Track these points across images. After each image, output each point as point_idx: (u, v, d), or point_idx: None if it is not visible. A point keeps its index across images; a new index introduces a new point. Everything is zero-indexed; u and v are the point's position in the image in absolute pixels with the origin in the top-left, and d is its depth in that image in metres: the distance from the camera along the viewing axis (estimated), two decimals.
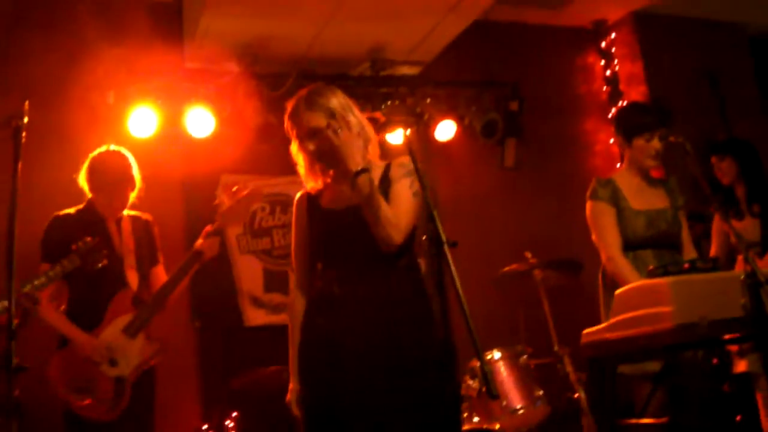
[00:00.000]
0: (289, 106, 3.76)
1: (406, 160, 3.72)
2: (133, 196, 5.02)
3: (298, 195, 3.92)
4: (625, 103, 7.97)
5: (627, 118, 5.03)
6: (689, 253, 4.95)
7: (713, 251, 5.56)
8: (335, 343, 3.57)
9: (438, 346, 3.62)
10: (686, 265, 3.74)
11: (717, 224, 5.62)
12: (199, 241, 4.95)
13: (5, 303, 3.71)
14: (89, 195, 5.00)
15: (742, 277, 3.48)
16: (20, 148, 3.58)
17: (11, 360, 3.20)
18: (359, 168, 3.48)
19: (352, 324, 3.56)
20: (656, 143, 4.82)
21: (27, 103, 3.62)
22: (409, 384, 3.49)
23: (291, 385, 3.74)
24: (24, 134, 3.60)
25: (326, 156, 3.63)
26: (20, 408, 3.16)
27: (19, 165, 3.55)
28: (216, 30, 6.53)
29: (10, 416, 3.13)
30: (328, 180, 3.77)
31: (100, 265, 4.44)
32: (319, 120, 3.63)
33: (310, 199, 3.85)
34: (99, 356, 4.63)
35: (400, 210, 3.61)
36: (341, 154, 3.50)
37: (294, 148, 3.82)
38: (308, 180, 3.84)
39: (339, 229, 3.67)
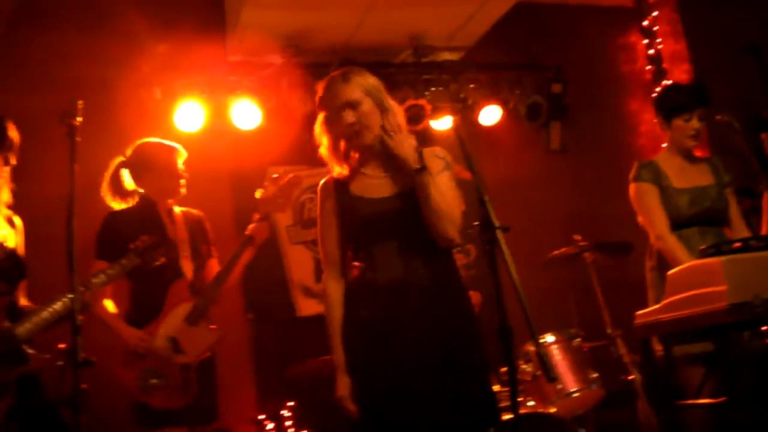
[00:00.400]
0: (322, 85, 3.76)
1: (439, 150, 3.76)
2: (183, 182, 5.07)
3: (323, 181, 3.86)
4: (663, 85, 7.89)
5: (665, 100, 5.08)
6: (740, 230, 4.96)
7: (764, 229, 5.51)
8: (383, 335, 3.56)
9: (479, 336, 3.64)
10: (739, 244, 3.73)
11: (767, 200, 5.57)
12: (250, 227, 5.00)
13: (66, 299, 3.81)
14: (133, 188, 5.04)
15: None
16: (75, 150, 3.62)
17: (77, 354, 3.26)
18: (418, 166, 3.52)
19: (400, 315, 3.56)
20: (695, 123, 4.88)
21: (81, 102, 3.66)
22: (457, 377, 3.50)
23: (340, 379, 3.67)
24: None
25: (363, 132, 3.62)
26: (87, 401, 3.22)
27: (75, 166, 3.60)
28: (258, 22, 6.57)
29: (79, 410, 3.19)
30: (354, 164, 3.77)
31: (157, 262, 4.50)
32: (356, 93, 3.64)
33: (338, 185, 3.79)
34: (139, 347, 4.70)
35: (450, 205, 3.60)
36: (399, 153, 3.55)
37: (318, 128, 3.82)
38: (332, 162, 3.80)
39: (378, 218, 3.63)
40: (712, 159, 5.06)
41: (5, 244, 3.96)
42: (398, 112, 3.72)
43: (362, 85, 3.67)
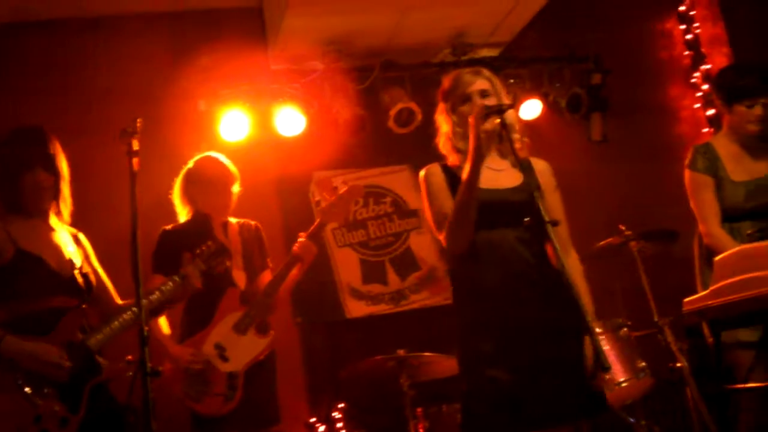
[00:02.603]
0: (450, 77, 3.99)
1: (548, 165, 4.01)
2: (235, 195, 5.16)
3: (429, 167, 3.97)
4: (728, 66, 7.70)
5: (727, 82, 4.85)
6: None
7: None
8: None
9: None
10: None
11: None
12: (296, 246, 5.07)
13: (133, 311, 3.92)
14: (185, 208, 5.17)
15: None
16: (136, 176, 3.71)
17: (146, 364, 3.35)
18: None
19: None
20: (759, 110, 4.68)
21: (140, 120, 3.75)
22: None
23: None
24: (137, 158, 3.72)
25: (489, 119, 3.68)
26: (155, 410, 3.31)
27: (136, 188, 3.69)
28: (298, 29, 6.64)
29: (148, 419, 3.29)
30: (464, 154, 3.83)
31: (223, 268, 4.59)
32: (487, 85, 3.89)
33: (448, 171, 3.92)
34: (194, 363, 4.80)
35: (565, 222, 3.89)
36: (514, 150, 3.68)
37: (440, 117, 4.00)
38: (449, 151, 3.95)
39: (495, 207, 3.75)
40: None
41: (73, 261, 4.07)
42: (515, 114, 3.98)
43: (491, 81, 3.92)
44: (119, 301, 4.23)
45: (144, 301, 3.62)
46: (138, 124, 3.73)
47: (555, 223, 3.42)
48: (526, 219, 3.60)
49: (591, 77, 7.57)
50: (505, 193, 3.73)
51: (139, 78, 6.71)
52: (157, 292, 4.18)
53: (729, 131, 4.86)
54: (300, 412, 6.55)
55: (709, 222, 4.70)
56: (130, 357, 3.82)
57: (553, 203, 3.90)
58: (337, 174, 6.96)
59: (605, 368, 3.13)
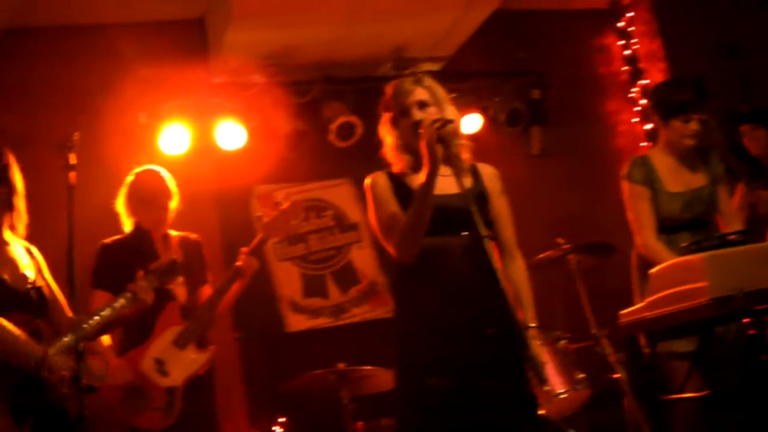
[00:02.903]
0: (391, 86, 3.97)
1: (494, 170, 4.02)
2: (173, 210, 5.13)
3: (375, 175, 3.97)
4: (663, 81, 7.73)
5: (663, 97, 4.91)
6: (731, 222, 4.92)
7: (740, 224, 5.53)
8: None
9: None
10: (717, 240, 3.81)
11: (741, 195, 5.61)
12: (239, 261, 5.04)
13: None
14: (129, 219, 5.13)
15: None
16: (73, 189, 3.68)
17: (80, 380, 3.31)
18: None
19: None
20: (694, 125, 4.72)
21: (77, 134, 3.71)
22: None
23: None
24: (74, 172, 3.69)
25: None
26: (91, 427, 3.27)
27: (74, 202, 3.65)
28: (241, 43, 6.64)
29: None
30: (412, 162, 3.87)
31: (176, 281, 4.57)
32: (426, 95, 3.86)
33: (393, 178, 3.92)
34: (128, 381, 4.76)
35: (512, 227, 3.96)
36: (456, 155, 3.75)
37: (384, 128, 3.98)
38: (394, 160, 3.95)
39: (438, 212, 3.75)
40: (705, 152, 4.88)
41: (27, 276, 4.01)
42: (459, 122, 4.01)
43: (432, 90, 3.90)
44: (71, 315, 4.18)
45: (95, 318, 3.59)
46: (75, 138, 3.70)
47: (492, 238, 3.46)
48: (464, 233, 3.65)
49: (530, 92, 7.67)
50: (451, 198, 3.72)
51: (79, 90, 6.64)
52: (108, 309, 4.13)
53: (666, 145, 4.91)
54: (240, 427, 6.52)
55: (645, 233, 4.76)
56: (65, 372, 3.77)
57: (499, 208, 3.94)
58: (278, 188, 6.94)
59: (542, 381, 3.16)
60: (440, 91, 3.94)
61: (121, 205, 5.15)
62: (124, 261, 4.70)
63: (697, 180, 4.85)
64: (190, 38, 7.17)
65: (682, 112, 4.73)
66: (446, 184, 3.71)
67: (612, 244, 6.08)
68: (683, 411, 4.45)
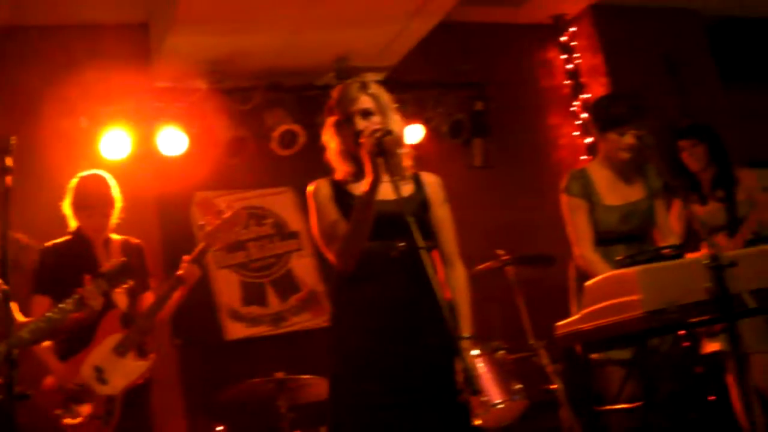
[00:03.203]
0: (338, 90, 3.97)
1: (437, 178, 4.05)
2: (115, 216, 5.09)
3: (317, 182, 3.99)
4: (602, 95, 7.79)
5: (601, 110, 4.96)
6: (667, 236, 4.97)
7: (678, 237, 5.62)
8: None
9: None
10: (651, 254, 3.87)
11: (677, 210, 5.69)
12: (181, 269, 5.02)
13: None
14: (73, 222, 5.08)
15: (706, 261, 3.60)
16: (9, 193, 3.64)
17: (13, 388, 3.27)
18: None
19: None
20: (629, 138, 4.75)
21: (14, 138, 3.67)
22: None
23: None
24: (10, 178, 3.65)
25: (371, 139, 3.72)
26: None
27: (9, 208, 3.61)
28: (184, 48, 6.60)
29: None
30: (356, 169, 3.88)
31: (126, 286, 4.52)
32: (370, 104, 3.86)
33: (335, 185, 3.94)
34: (72, 386, 4.71)
35: (453, 236, 4.00)
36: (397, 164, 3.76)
37: (327, 133, 3.98)
38: (337, 165, 3.96)
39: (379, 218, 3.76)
40: (644, 166, 4.95)
41: None
42: (402, 131, 3.99)
43: (377, 98, 3.89)
44: (21, 318, 4.13)
45: (39, 324, 3.54)
46: (12, 142, 3.66)
47: (429, 248, 3.49)
48: (401, 244, 3.67)
49: (473, 103, 7.71)
50: (390, 206, 3.72)
51: (20, 92, 6.55)
52: (54, 313, 4.11)
53: (603, 158, 4.97)
54: None
55: (582, 245, 4.82)
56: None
57: (441, 216, 3.98)
58: (218, 195, 6.90)
59: (475, 391, 3.18)
60: (386, 99, 3.94)
61: (67, 206, 5.09)
62: (64, 265, 4.69)
63: (635, 193, 4.92)
64: (133, 42, 7.09)
65: (617, 125, 4.78)
66: (388, 190, 3.72)
67: (551, 256, 6.14)
68: (618, 421, 4.51)
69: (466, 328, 3.86)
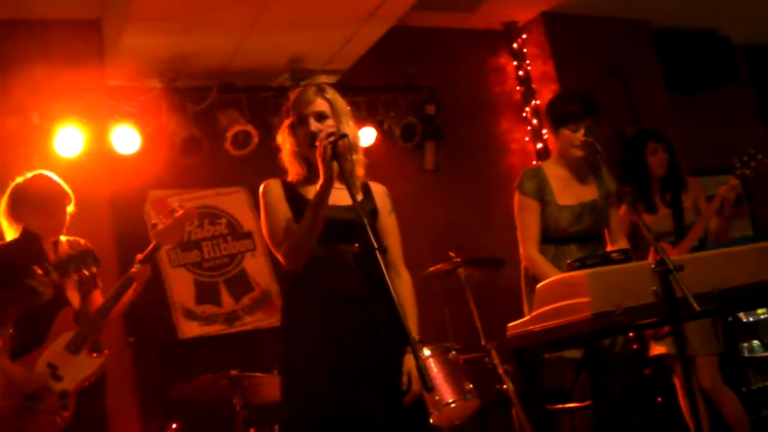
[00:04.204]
0: (296, 92, 4.01)
1: (385, 188, 4.11)
2: (68, 215, 5.08)
3: (268, 182, 4.01)
4: (556, 94, 7.79)
5: (554, 108, 5.03)
6: (618, 240, 5.07)
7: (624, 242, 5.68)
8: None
9: None
10: (600, 258, 3.96)
11: (624, 215, 5.77)
12: (133, 268, 5.03)
13: None
14: (12, 227, 5.05)
15: (653, 265, 3.70)
16: None
17: None
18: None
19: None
20: (582, 133, 4.81)
21: None
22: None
23: None
24: None
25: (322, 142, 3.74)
26: None
27: None
28: (137, 47, 6.54)
29: None
30: (309, 172, 3.93)
31: (89, 271, 4.53)
32: (325, 107, 3.90)
33: (288, 186, 3.97)
34: (27, 387, 4.70)
35: (399, 244, 4.03)
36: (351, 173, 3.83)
37: (282, 134, 4.02)
38: (290, 167, 3.99)
39: (334, 224, 3.80)
40: (597, 168, 5.02)
41: None
42: (356, 137, 4.04)
43: (333, 102, 3.93)
44: None
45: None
46: None
47: (383, 251, 3.55)
48: (355, 245, 3.73)
49: (425, 107, 7.76)
50: (343, 211, 3.79)
51: None
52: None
53: (558, 156, 5.04)
54: None
55: (528, 245, 4.88)
56: None
57: (388, 225, 4.04)
58: (172, 194, 6.89)
59: (428, 388, 3.23)
60: (341, 104, 3.98)
61: (3, 211, 5.05)
62: (13, 265, 4.61)
63: (588, 194, 4.99)
64: (86, 39, 7.01)
65: (570, 120, 4.85)
66: (339, 196, 3.78)
67: (501, 258, 6.22)
68: (568, 421, 4.59)
69: (413, 332, 3.92)
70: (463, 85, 8.39)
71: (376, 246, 3.47)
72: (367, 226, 3.52)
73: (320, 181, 3.69)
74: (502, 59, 8.78)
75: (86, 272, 4.53)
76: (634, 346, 6.26)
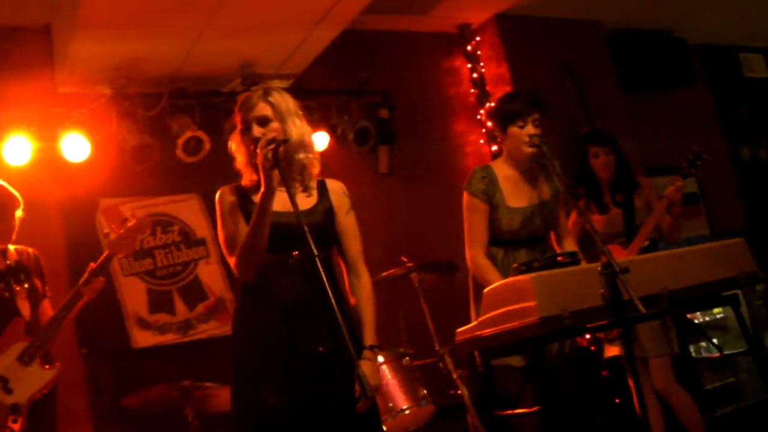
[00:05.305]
0: (241, 98, 3.99)
1: (343, 187, 4.09)
2: (18, 221, 5.03)
3: (222, 189, 3.99)
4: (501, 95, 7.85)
5: (501, 107, 4.99)
6: (566, 243, 5.08)
7: (574, 244, 5.70)
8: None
9: None
10: (546, 261, 3.97)
11: (574, 218, 5.80)
12: (83, 280, 4.99)
13: None
14: None
15: (599, 268, 3.71)
16: None
17: None
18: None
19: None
20: (530, 129, 4.78)
21: None
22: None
23: None
24: None
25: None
26: None
27: None
28: (86, 53, 6.46)
29: None
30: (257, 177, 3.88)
31: (20, 286, 4.49)
32: (267, 111, 3.86)
33: (240, 192, 3.96)
34: None
35: (358, 243, 4.04)
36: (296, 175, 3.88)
37: (233, 144, 4.00)
38: (244, 172, 3.98)
39: (279, 229, 3.79)
40: (547, 170, 4.96)
41: None
42: (306, 135, 3.98)
43: (277, 107, 3.88)
44: None
45: None
46: None
47: (325, 257, 3.55)
48: (294, 252, 3.71)
49: (379, 111, 7.75)
50: (289, 216, 3.74)
51: None
52: None
53: (507, 157, 5.00)
54: None
55: (474, 248, 4.87)
56: None
57: (346, 224, 4.03)
58: (124, 201, 6.83)
59: (368, 397, 3.22)
60: (286, 106, 3.93)
61: None
62: None
63: (539, 195, 4.97)
64: (35, 46, 6.94)
65: (517, 117, 4.82)
66: (286, 202, 3.75)
67: (454, 263, 6.21)
68: (520, 426, 4.60)
69: (369, 336, 3.91)
70: (418, 87, 8.39)
71: (316, 253, 3.46)
72: (308, 233, 3.51)
73: (261, 190, 3.68)
74: (456, 61, 8.79)
75: (27, 285, 4.50)
76: (592, 348, 6.29)
